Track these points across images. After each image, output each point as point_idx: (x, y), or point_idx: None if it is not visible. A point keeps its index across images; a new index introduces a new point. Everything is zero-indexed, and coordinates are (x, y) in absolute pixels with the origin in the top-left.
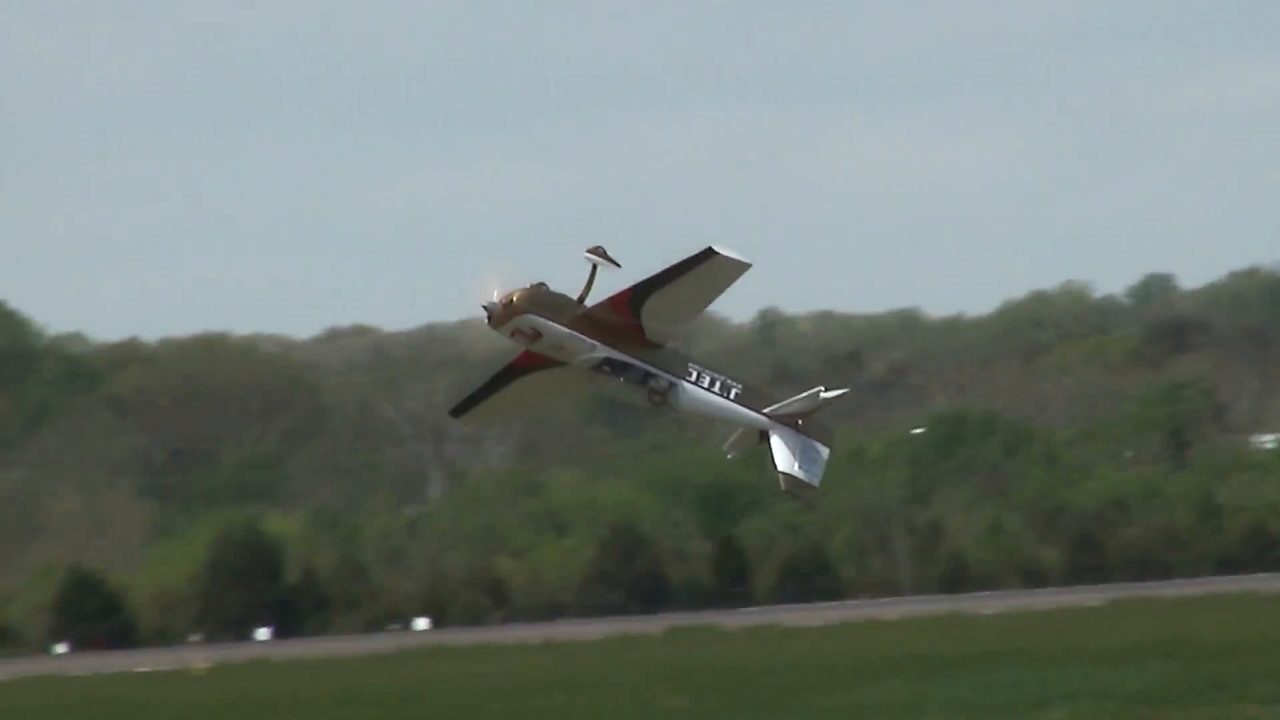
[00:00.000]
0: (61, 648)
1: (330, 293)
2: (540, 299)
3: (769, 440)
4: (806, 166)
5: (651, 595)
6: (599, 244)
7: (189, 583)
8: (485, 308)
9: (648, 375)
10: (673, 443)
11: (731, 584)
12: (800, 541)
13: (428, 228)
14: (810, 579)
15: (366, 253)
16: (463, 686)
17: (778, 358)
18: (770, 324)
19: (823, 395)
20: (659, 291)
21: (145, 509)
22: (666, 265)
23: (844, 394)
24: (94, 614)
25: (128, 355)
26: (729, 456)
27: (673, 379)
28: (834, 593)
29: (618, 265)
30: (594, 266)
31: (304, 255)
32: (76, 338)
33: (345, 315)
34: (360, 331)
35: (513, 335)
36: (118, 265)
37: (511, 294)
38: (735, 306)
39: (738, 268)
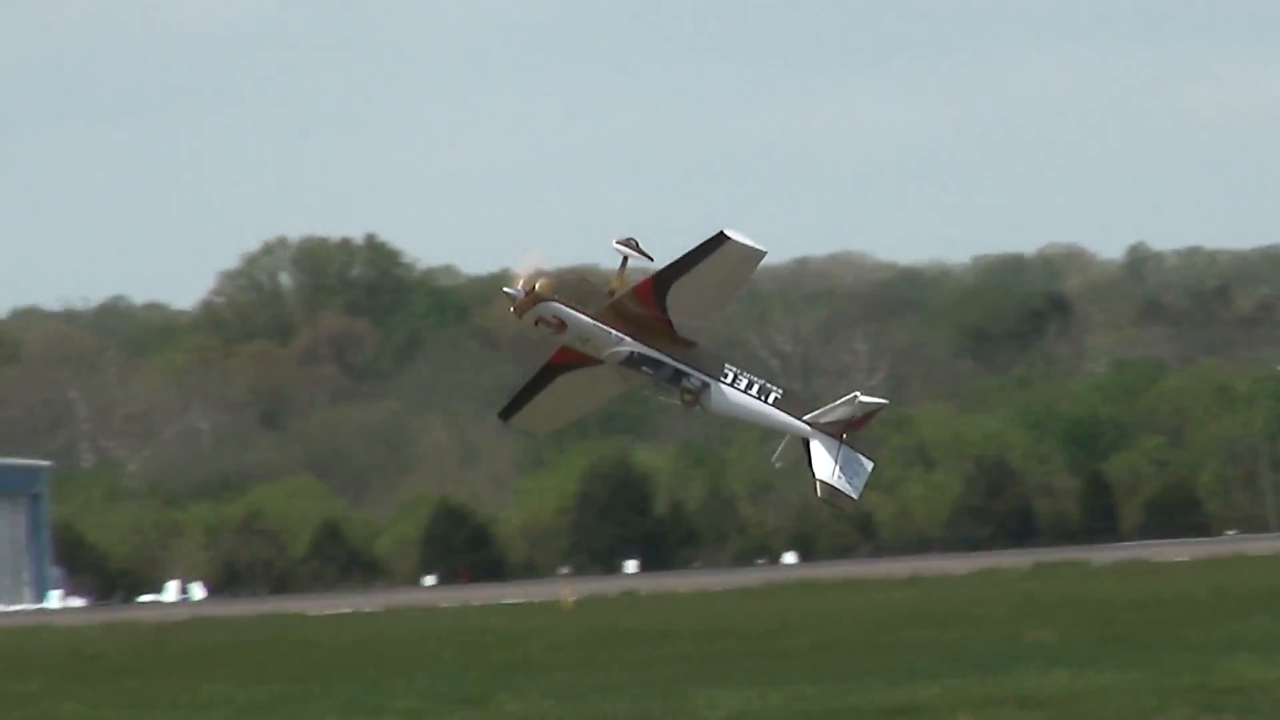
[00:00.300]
0: (430, 579)
1: (698, 225)
2: (565, 287)
3: (808, 446)
4: (1177, 102)
5: (1018, 530)
6: (631, 236)
7: (558, 516)
8: (509, 295)
9: (679, 373)
10: (1042, 377)
11: (1099, 519)
12: (1167, 477)
13: (799, 162)
14: (1177, 514)
15: (738, 186)
16: (830, 620)
17: (1147, 293)
18: (1139, 260)
19: (860, 400)
20: (679, 280)
21: (514, 442)
22: (685, 252)
23: (883, 405)
24: (463, 546)
25: (498, 287)
26: (777, 465)
27: (706, 379)
28: (1201, 528)
29: (649, 259)
30: (624, 259)
31: (676, 188)
32: (447, 271)
33: None
34: None
35: (536, 324)
36: (488, 198)
37: (534, 281)
38: (1104, 242)
39: (752, 254)
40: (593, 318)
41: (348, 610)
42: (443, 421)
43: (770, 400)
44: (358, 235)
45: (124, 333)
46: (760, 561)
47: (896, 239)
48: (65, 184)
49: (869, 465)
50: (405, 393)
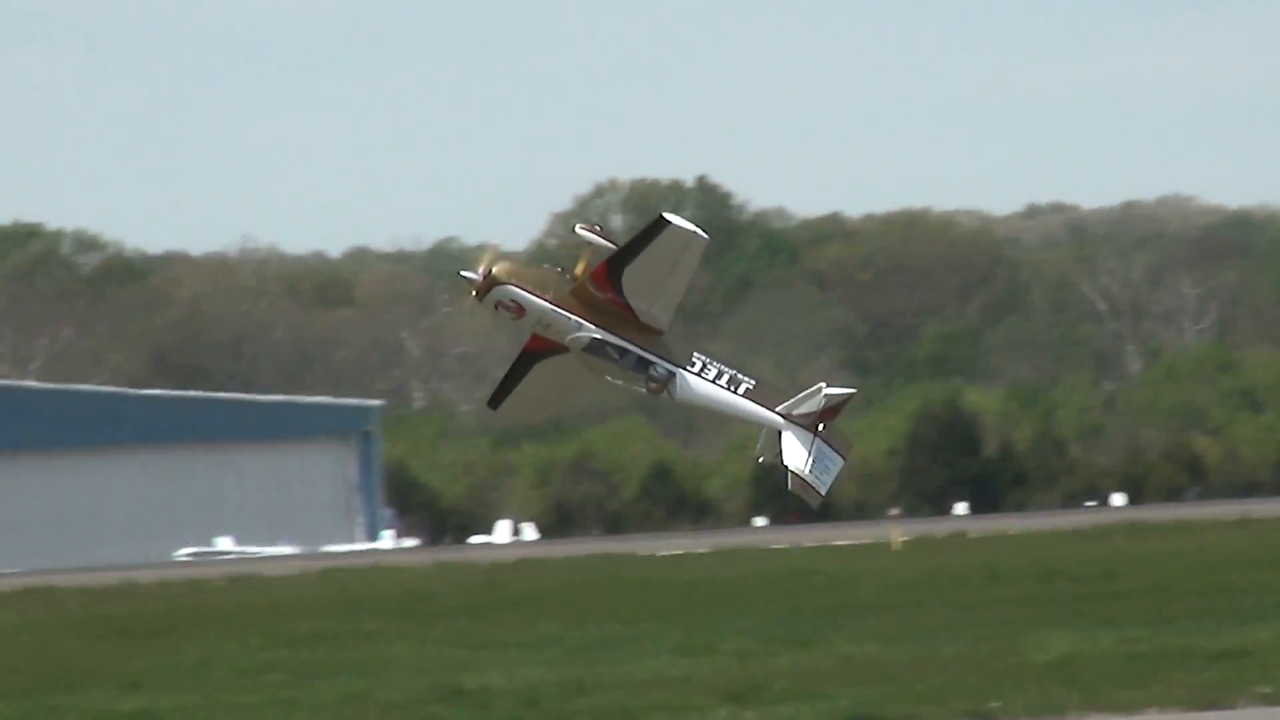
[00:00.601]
0: (760, 520)
1: (1029, 169)
2: (522, 272)
3: (781, 438)
4: None
5: None
6: (595, 222)
7: (888, 457)
8: (467, 278)
9: (645, 361)
10: None
11: None
12: None
13: (1127, 105)
14: None
15: (1066, 130)
16: (1159, 563)
17: None
18: None
19: (825, 392)
20: (630, 265)
21: (846, 383)
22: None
23: (851, 394)
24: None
25: (829, 230)
26: (760, 461)
27: (673, 367)
28: None
29: (613, 245)
30: (587, 244)
31: (1004, 132)
32: (779, 213)
33: (1044, 192)
34: (1059, 209)
35: (496, 308)
36: (820, 141)
37: (492, 264)
38: None
39: (693, 240)
40: (552, 303)
41: (678, 551)
42: (772, 363)
43: (741, 391)
44: (689, 178)
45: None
46: (1089, 503)
47: (1225, 182)
48: (396, 125)
49: (839, 463)
50: (735, 334)
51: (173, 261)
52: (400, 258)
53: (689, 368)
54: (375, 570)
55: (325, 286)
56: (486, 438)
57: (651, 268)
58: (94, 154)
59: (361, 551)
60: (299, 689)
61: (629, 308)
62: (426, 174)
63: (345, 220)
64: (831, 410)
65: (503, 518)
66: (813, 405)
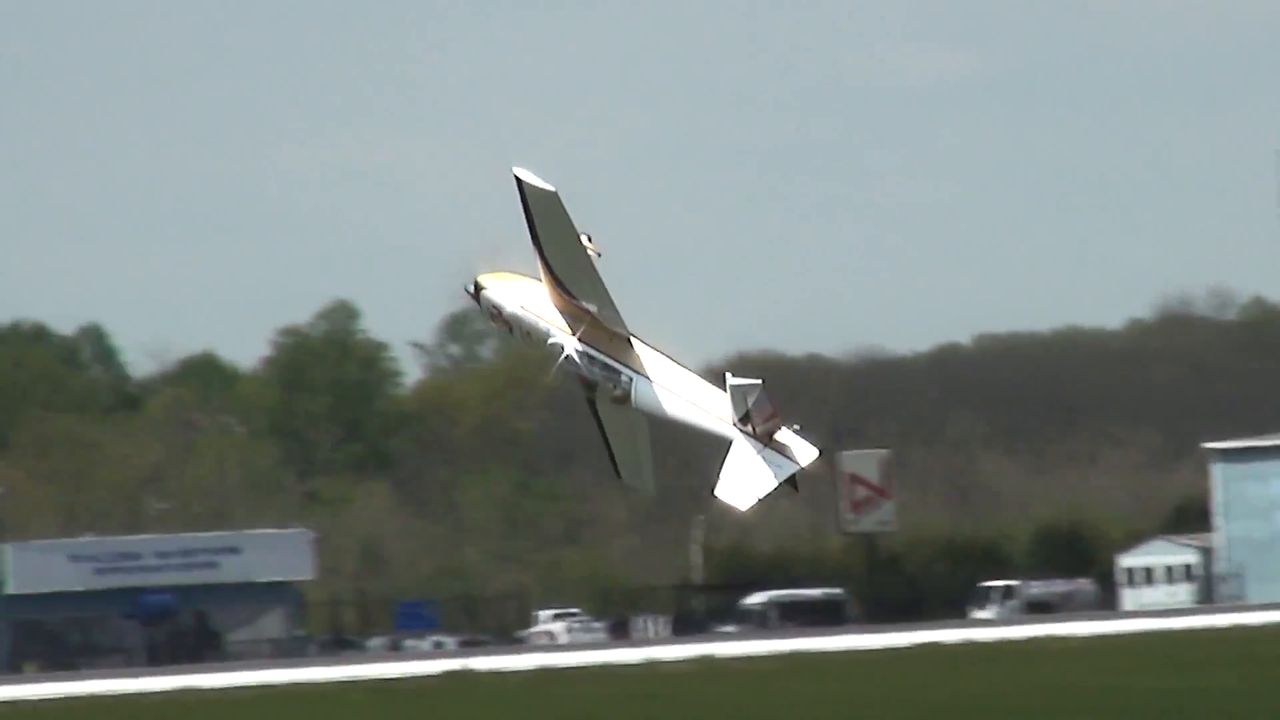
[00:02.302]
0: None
1: None
2: (501, 279)
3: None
4: None
5: None
6: (586, 231)
7: None
8: (465, 288)
9: (611, 369)
10: None
11: None
12: None
13: None
14: None
15: None
16: None
17: None
18: None
19: (730, 382)
20: (545, 252)
21: None
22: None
23: (754, 384)
24: None
25: None
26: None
27: (634, 374)
28: None
29: (597, 254)
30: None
31: None
32: None
33: None
34: None
35: (492, 318)
36: None
37: (481, 273)
38: None
39: (545, 195)
40: (521, 308)
41: None
42: None
43: (699, 399)
44: None
45: None
46: None
47: None
48: None
49: (792, 467)
50: None
51: None
52: None
53: (650, 376)
54: None
55: None
56: None
57: (553, 246)
58: None
59: None
60: None
61: (584, 308)
62: None
63: None
64: (769, 414)
65: None
66: (737, 402)
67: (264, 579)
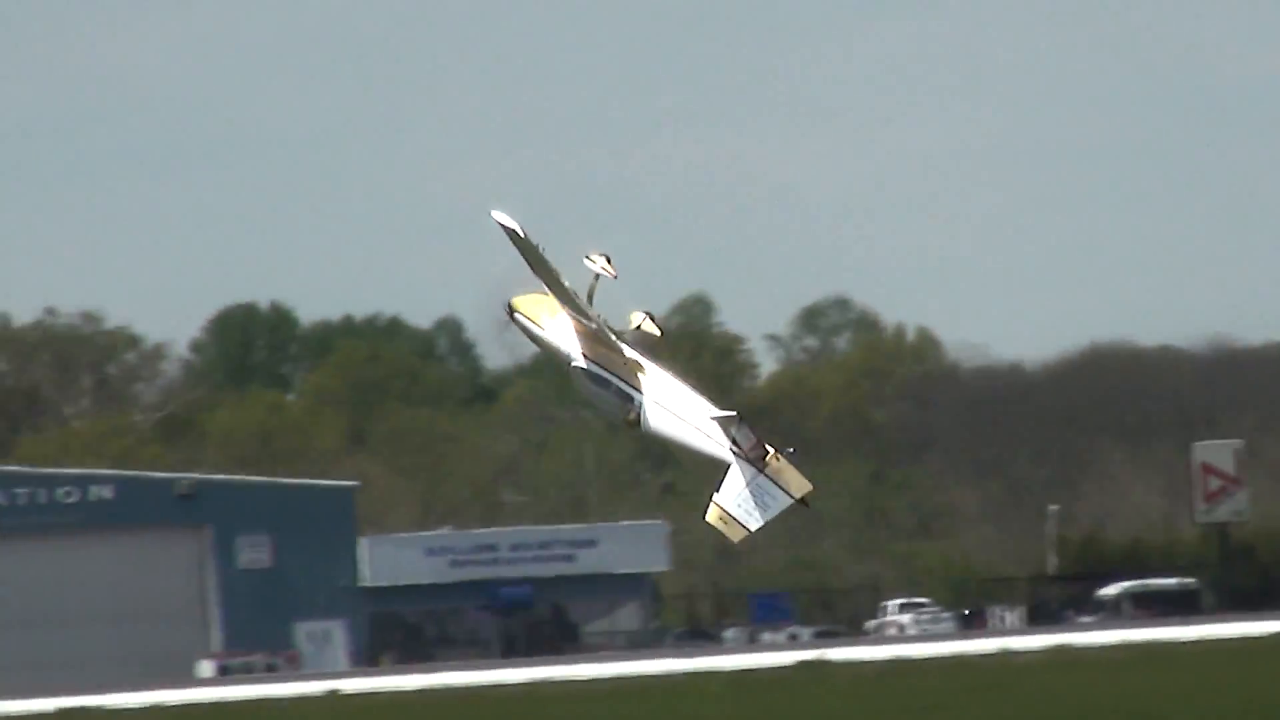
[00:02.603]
0: None
1: None
2: (532, 301)
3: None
4: None
5: None
6: (604, 251)
7: None
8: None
9: (624, 394)
10: None
11: None
12: None
13: None
14: None
15: None
16: None
17: None
18: None
19: (709, 416)
20: (540, 279)
21: None
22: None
23: (730, 416)
24: None
25: None
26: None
27: (644, 397)
28: None
29: (613, 276)
30: (595, 276)
31: None
32: None
33: None
34: None
35: (529, 339)
36: None
37: (511, 295)
38: None
39: (511, 234)
40: (544, 331)
41: None
42: None
43: (704, 424)
44: None
45: None
46: None
47: None
48: None
49: (781, 501)
50: None
51: None
52: None
53: (658, 401)
54: None
55: None
56: None
57: (541, 275)
58: None
59: None
60: None
61: (594, 331)
62: None
63: None
64: (754, 443)
65: None
66: (738, 434)
67: (620, 571)
